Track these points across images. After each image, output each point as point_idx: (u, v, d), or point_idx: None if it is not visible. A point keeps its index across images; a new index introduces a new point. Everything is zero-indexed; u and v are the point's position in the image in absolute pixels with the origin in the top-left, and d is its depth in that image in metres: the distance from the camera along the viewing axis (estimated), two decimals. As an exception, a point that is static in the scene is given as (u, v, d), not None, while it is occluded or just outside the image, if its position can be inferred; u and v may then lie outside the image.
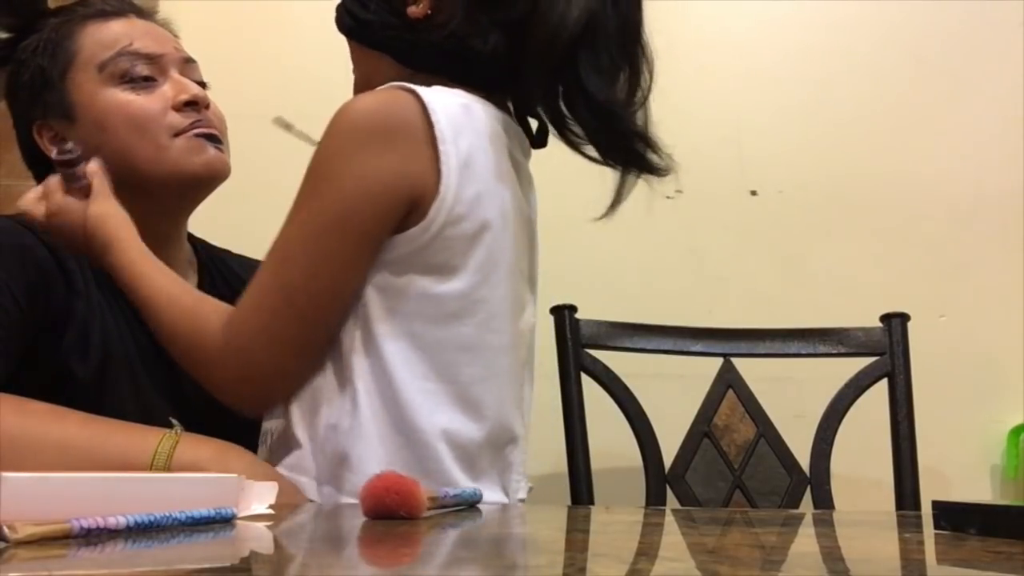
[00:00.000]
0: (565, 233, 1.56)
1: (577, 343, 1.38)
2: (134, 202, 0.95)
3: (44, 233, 0.92)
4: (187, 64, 1.02)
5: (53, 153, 0.94)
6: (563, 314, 1.40)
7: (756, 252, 1.62)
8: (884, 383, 1.36)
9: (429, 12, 0.87)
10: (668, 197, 1.58)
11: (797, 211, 1.63)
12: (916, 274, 1.59)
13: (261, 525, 0.58)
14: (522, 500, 0.93)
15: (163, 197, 0.99)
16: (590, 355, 1.38)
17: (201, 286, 1.05)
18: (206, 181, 0.99)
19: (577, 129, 0.87)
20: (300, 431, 0.84)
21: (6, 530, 0.42)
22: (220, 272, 1.10)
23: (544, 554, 0.48)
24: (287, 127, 1.03)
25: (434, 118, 0.80)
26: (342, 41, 0.98)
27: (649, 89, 0.89)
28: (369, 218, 0.81)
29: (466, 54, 0.87)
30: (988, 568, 0.46)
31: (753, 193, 1.64)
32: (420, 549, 0.52)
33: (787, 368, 1.42)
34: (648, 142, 0.87)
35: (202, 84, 1.04)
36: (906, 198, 1.62)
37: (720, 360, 1.39)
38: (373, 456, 0.81)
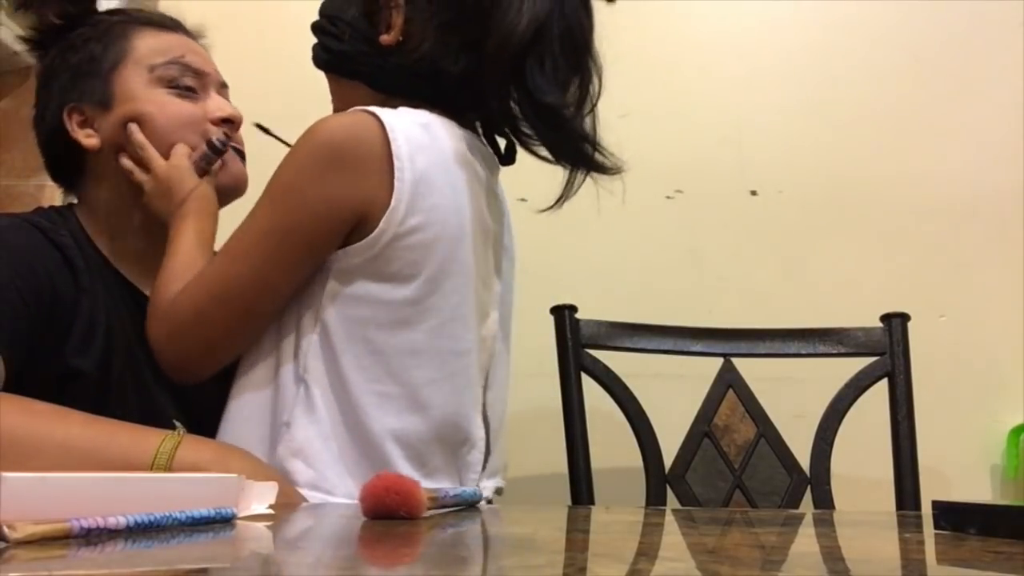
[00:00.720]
0: (565, 233, 1.57)
1: (577, 343, 1.38)
2: (143, 195, 1.00)
3: (50, 231, 0.94)
4: (223, 88, 1.09)
5: (198, 152, 1.01)
6: (563, 314, 1.40)
7: (756, 252, 1.62)
8: (884, 383, 1.36)
9: (400, 39, 0.94)
10: (668, 197, 1.58)
11: (797, 211, 1.63)
12: (916, 274, 1.60)
13: (261, 525, 0.58)
14: (488, 501, 0.94)
15: None
16: (590, 355, 1.38)
17: None
18: (232, 193, 1.05)
19: (529, 131, 0.93)
20: (253, 426, 0.90)
21: (6, 530, 0.42)
22: None
23: (544, 554, 0.48)
24: (265, 131, 1.08)
25: (392, 136, 0.86)
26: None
27: (598, 95, 0.95)
28: (316, 232, 0.87)
29: (436, 76, 0.93)
30: (988, 568, 0.46)
31: (753, 193, 1.64)
32: (420, 549, 0.52)
33: (787, 368, 1.42)
34: (594, 144, 0.93)
35: None
36: (906, 198, 1.62)
37: (720, 360, 1.39)
38: (327, 452, 0.86)
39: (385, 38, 0.94)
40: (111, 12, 1.09)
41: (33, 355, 0.88)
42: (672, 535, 0.63)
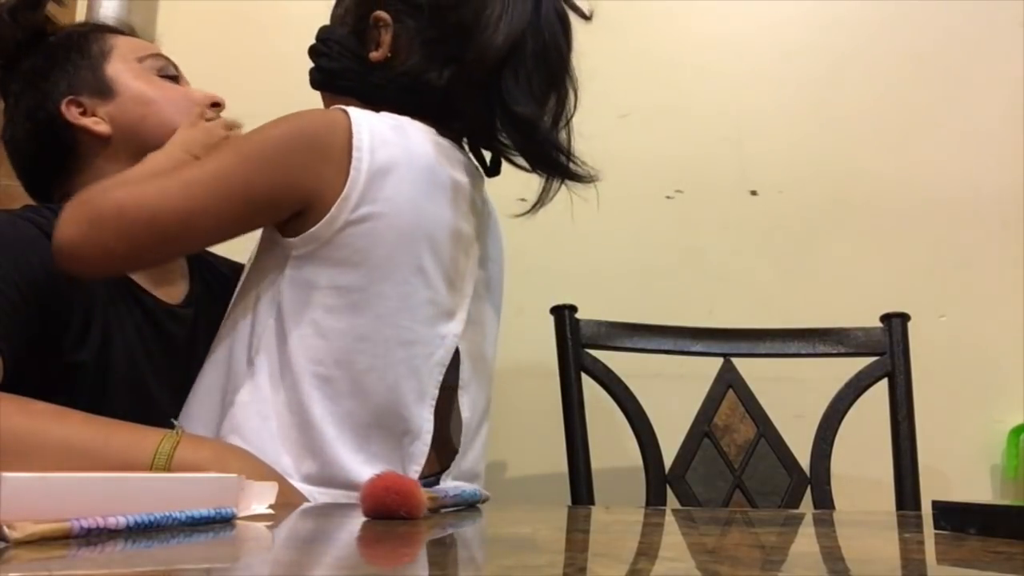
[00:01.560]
0: (565, 233, 1.56)
1: (577, 343, 1.38)
2: None
3: (45, 226, 0.93)
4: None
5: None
6: (563, 314, 1.40)
7: (756, 252, 1.62)
8: (884, 383, 1.36)
9: (388, 55, 1.00)
10: (668, 197, 1.58)
11: (797, 211, 1.63)
12: (916, 274, 1.59)
13: (261, 525, 0.58)
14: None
15: None
16: (590, 355, 1.38)
17: (192, 285, 1.11)
18: None
19: (507, 141, 0.99)
20: (204, 400, 0.93)
21: (6, 530, 0.42)
22: (210, 271, 1.15)
23: (544, 554, 0.48)
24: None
25: (355, 130, 0.90)
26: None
27: (574, 109, 1.01)
28: (262, 197, 0.89)
29: (421, 89, 0.99)
30: (988, 568, 0.46)
31: (753, 193, 1.64)
32: (420, 549, 0.52)
33: (787, 368, 1.42)
34: (567, 154, 0.99)
35: None
36: (906, 198, 1.62)
37: (720, 360, 1.39)
38: (265, 430, 0.88)
39: (374, 55, 1.01)
40: (79, 24, 1.17)
41: (31, 350, 0.88)
42: (672, 535, 0.63)
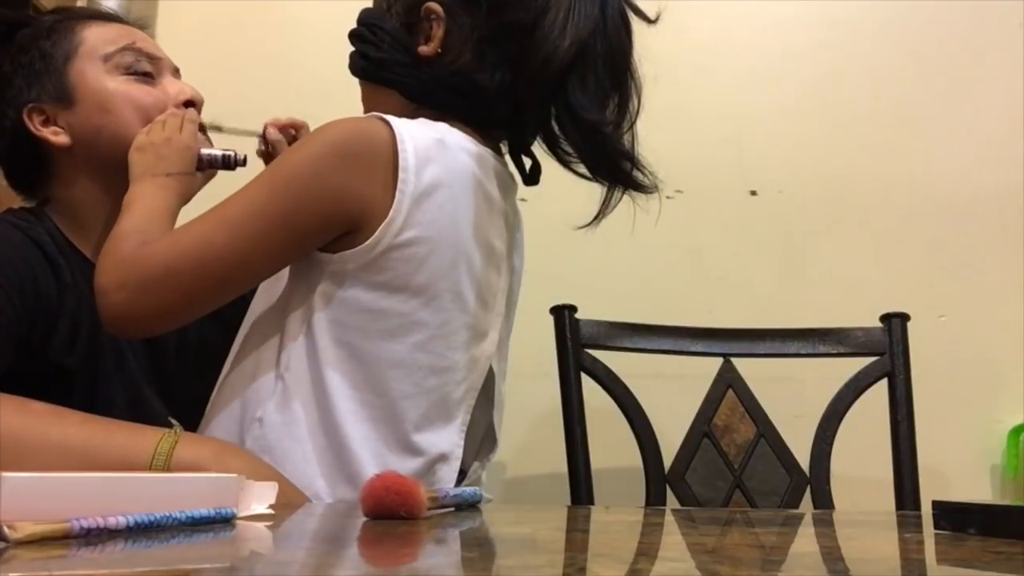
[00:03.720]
0: (565, 234, 1.56)
1: (577, 343, 1.38)
2: (121, 187, 0.97)
3: (29, 229, 0.93)
4: (176, 72, 1.08)
5: (212, 151, 1.02)
6: (563, 314, 1.39)
7: (756, 252, 1.62)
8: (884, 383, 1.36)
9: (439, 51, 0.94)
10: (668, 197, 1.58)
11: (797, 211, 1.63)
12: (916, 274, 1.59)
13: (261, 525, 0.58)
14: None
15: None
16: (590, 355, 1.38)
17: None
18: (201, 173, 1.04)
19: (568, 148, 0.94)
20: (227, 416, 0.90)
21: (6, 530, 0.42)
22: None
23: (544, 554, 0.48)
24: (218, 129, 1.08)
25: (400, 147, 0.86)
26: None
27: (637, 113, 0.96)
28: (310, 224, 0.86)
29: (471, 90, 0.94)
30: (988, 568, 0.46)
31: (753, 193, 1.64)
32: (420, 549, 0.52)
33: (787, 368, 1.42)
34: (633, 161, 0.94)
35: None
36: (906, 198, 1.62)
37: (720, 360, 1.39)
38: (300, 453, 0.85)
39: (424, 49, 0.95)
40: (52, 11, 1.09)
41: (19, 354, 0.87)
42: (672, 535, 0.63)
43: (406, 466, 0.89)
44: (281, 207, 0.85)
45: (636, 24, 0.96)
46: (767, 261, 1.61)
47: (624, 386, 1.35)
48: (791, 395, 1.42)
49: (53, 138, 1.00)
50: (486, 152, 0.94)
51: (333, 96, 1.68)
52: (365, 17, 0.99)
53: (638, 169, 0.95)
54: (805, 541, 0.61)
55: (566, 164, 0.96)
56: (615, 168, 0.94)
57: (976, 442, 1.55)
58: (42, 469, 0.52)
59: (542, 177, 1.02)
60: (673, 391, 1.40)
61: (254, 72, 1.64)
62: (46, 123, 1.00)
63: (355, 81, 1.02)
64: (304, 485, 0.85)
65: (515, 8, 0.92)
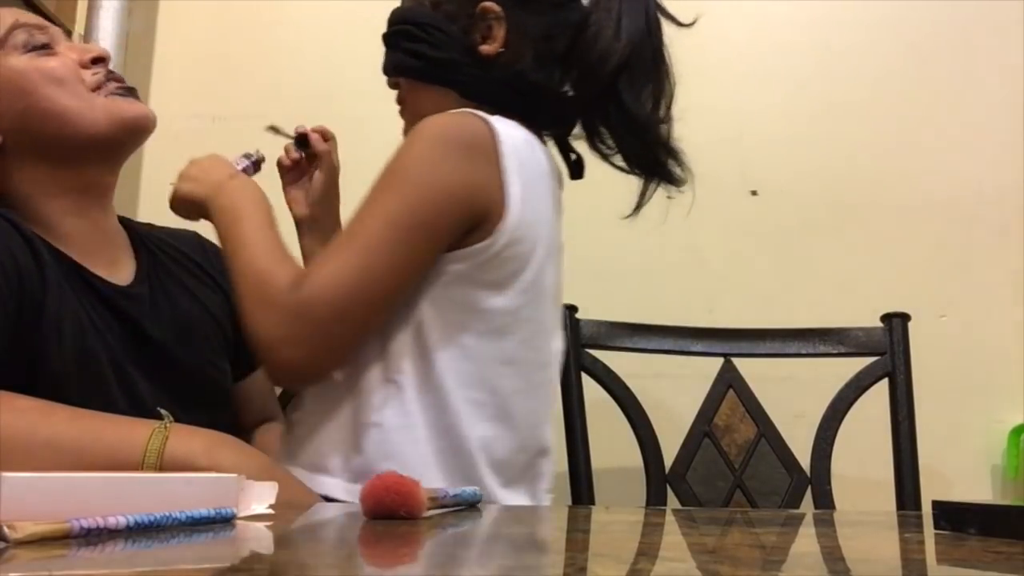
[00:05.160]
0: (565, 233, 1.56)
1: (577, 343, 1.38)
2: (65, 166, 0.97)
3: (19, 223, 0.91)
4: (68, 35, 1.04)
5: (239, 158, 1.00)
6: (564, 314, 1.39)
7: (756, 252, 1.62)
8: (884, 383, 1.36)
9: (501, 50, 0.95)
10: (668, 197, 1.58)
11: (797, 211, 1.63)
12: (916, 274, 1.59)
13: (261, 525, 0.58)
14: None
15: (93, 151, 0.99)
16: (590, 355, 1.38)
17: (139, 260, 1.05)
18: (138, 131, 1.01)
19: (609, 142, 0.97)
20: (334, 428, 0.88)
21: (6, 530, 0.42)
22: (153, 242, 1.10)
23: (544, 554, 0.48)
24: (278, 132, 1.07)
25: (502, 148, 0.87)
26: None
27: (672, 104, 0.98)
28: (439, 219, 0.86)
29: (527, 88, 0.95)
30: (988, 568, 0.46)
31: (753, 193, 1.64)
32: (420, 549, 0.52)
33: (787, 368, 1.42)
34: (672, 153, 0.98)
35: None
36: (906, 197, 1.62)
37: (720, 360, 1.39)
38: (419, 456, 0.86)
39: (486, 48, 0.95)
40: None
41: (9, 357, 0.84)
42: (672, 535, 0.63)
43: (517, 460, 0.91)
44: (416, 212, 0.85)
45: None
46: (767, 261, 1.61)
47: (625, 386, 1.36)
48: (791, 395, 1.42)
49: None
50: (546, 149, 0.97)
51: (333, 96, 1.69)
52: (410, 16, 0.98)
53: (675, 161, 0.98)
54: (805, 541, 0.61)
55: (604, 157, 0.99)
56: (654, 161, 0.97)
57: (976, 442, 1.55)
58: (32, 468, 0.51)
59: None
60: (673, 391, 1.40)
61: (253, 72, 1.64)
62: None
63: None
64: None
65: (569, 8, 0.95)
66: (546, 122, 0.99)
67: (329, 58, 1.63)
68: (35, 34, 0.98)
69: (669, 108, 0.98)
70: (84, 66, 0.98)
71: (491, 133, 0.88)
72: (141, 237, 1.09)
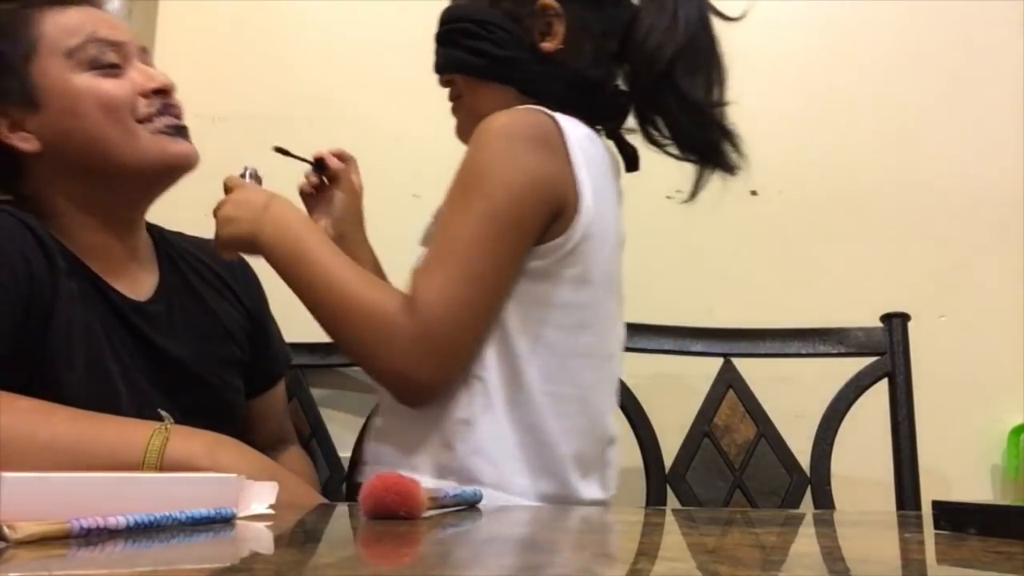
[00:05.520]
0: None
1: (577, 343, 1.38)
2: (100, 189, 0.97)
3: (36, 226, 0.90)
4: (144, 54, 1.03)
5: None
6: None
7: (756, 252, 1.62)
8: (884, 383, 1.36)
9: (560, 47, 0.96)
10: (668, 197, 1.58)
11: (797, 211, 1.63)
12: (916, 274, 1.59)
13: (261, 525, 0.58)
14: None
15: (131, 184, 0.99)
16: (590, 355, 1.38)
17: (161, 269, 1.06)
18: (177, 171, 1.00)
19: (664, 131, 0.99)
20: (421, 426, 0.89)
21: (6, 530, 0.42)
22: (179, 254, 1.10)
23: (544, 554, 0.48)
24: (285, 153, 1.06)
25: (570, 143, 0.89)
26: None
27: (725, 88, 1.01)
28: (531, 218, 0.87)
29: (585, 84, 0.97)
30: (988, 568, 0.46)
31: (753, 193, 1.63)
32: (420, 549, 0.52)
33: (787, 368, 1.42)
34: (729, 136, 1.00)
35: None
36: (906, 198, 1.62)
37: (720, 360, 1.39)
38: (506, 452, 0.87)
39: (547, 45, 0.96)
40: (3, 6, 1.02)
41: (13, 360, 0.84)
42: (672, 535, 0.63)
43: (592, 451, 0.93)
44: (506, 211, 0.86)
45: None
46: (767, 261, 1.61)
47: (624, 386, 1.35)
48: (791, 395, 1.42)
49: (21, 145, 0.95)
50: (606, 143, 0.99)
51: (332, 97, 1.69)
52: (470, 14, 0.98)
53: (733, 145, 1.00)
54: (805, 541, 0.61)
55: (659, 146, 1.01)
56: (711, 146, 0.99)
57: (976, 442, 1.55)
58: (31, 469, 0.51)
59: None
60: (673, 391, 1.40)
61: (254, 72, 1.64)
62: (13, 128, 0.96)
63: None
64: (514, 484, 0.87)
65: (625, 3, 0.97)
66: (602, 116, 1.00)
67: (329, 58, 1.63)
68: (106, 52, 0.97)
69: (723, 93, 0.99)
70: (144, 94, 0.97)
71: (558, 128, 0.89)
72: (167, 248, 1.09)
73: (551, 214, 0.88)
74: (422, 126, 1.58)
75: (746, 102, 1.66)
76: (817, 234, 1.62)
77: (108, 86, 0.96)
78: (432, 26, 1.02)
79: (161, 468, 0.76)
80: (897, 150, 1.64)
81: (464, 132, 0.98)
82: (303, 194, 1.11)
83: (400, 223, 1.57)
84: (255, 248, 0.93)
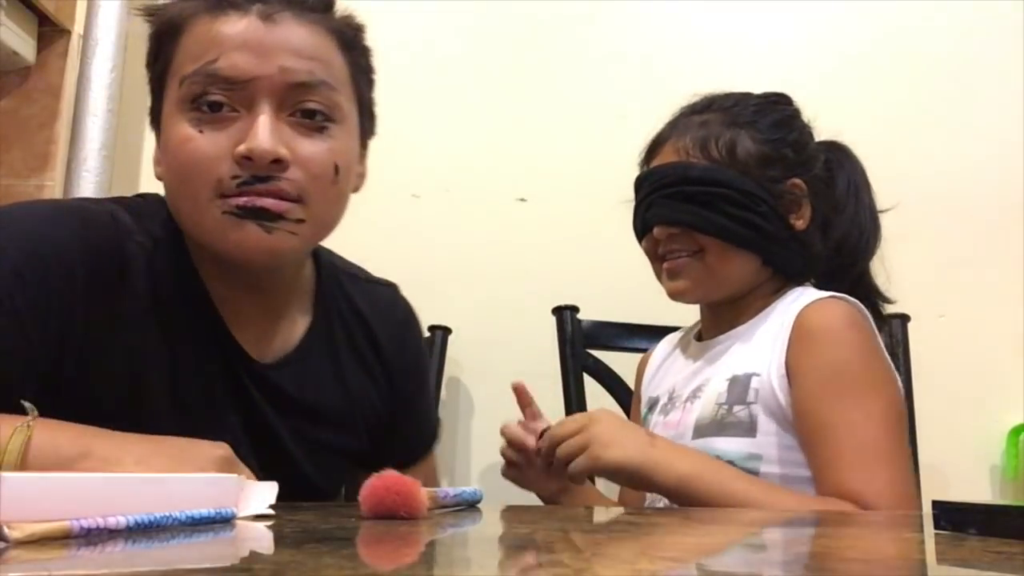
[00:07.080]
0: (566, 234, 1.56)
1: (579, 343, 1.38)
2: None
3: (120, 235, 0.80)
4: (296, 89, 0.79)
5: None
6: (565, 314, 1.40)
7: (756, 252, 1.61)
8: (884, 383, 1.35)
9: (805, 227, 1.06)
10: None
11: (797, 211, 1.62)
12: (915, 273, 1.59)
13: (261, 525, 0.58)
14: None
15: (218, 259, 0.83)
16: (592, 355, 1.38)
17: (313, 323, 0.92)
18: (242, 263, 0.81)
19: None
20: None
21: (6, 530, 0.42)
22: (338, 309, 0.95)
23: (544, 554, 0.48)
24: None
25: (872, 331, 1.02)
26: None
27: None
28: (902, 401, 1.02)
29: (813, 261, 1.08)
30: (988, 568, 0.46)
31: (753, 193, 1.64)
32: (420, 549, 0.52)
33: (787, 368, 1.42)
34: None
35: (328, 119, 0.81)
36: (905, 198, 1.62)
37: (720, 360, 1.39)
38: None
39: (799, 224, 1.05)
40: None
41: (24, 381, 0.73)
42: (672, 535, 0.63)
43: None
44: (896, 406, 0.97)
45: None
46: (767, 261, 1.61)
47: (626, 386, 1.35)
48: (791, 395, 1.42)
49: (155, 166, 0.84)
50: None
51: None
52: (729, 180, 1.02)
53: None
54: (806, 541, 0.61)
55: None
56: (857, 282, 1.12)
57: (976, 442, 1.55)
58: None
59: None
60: (673, 391, 1.39)
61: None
62: (159, 162, 0.84)
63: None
64: None
65: (837, 190, 1.10)
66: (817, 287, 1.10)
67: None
68: (213, 91, 0.77)
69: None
70: (236, 159, 0.77)
71: (864, 314, 1.02)
72: (327, 298, 0.93)
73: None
74: (422, 126, 1.58)
75: (746, 102, 1.67)
76: (817, 234, 1.62)
77: (192, 144, 0.77)
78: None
79: (24, 467, 0.65)
80: (897, 150, 1.64)
81: (696, 290, 1.07)
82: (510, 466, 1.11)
83: (400, 223, 1.57)
84: (635, 476, 0.95)
